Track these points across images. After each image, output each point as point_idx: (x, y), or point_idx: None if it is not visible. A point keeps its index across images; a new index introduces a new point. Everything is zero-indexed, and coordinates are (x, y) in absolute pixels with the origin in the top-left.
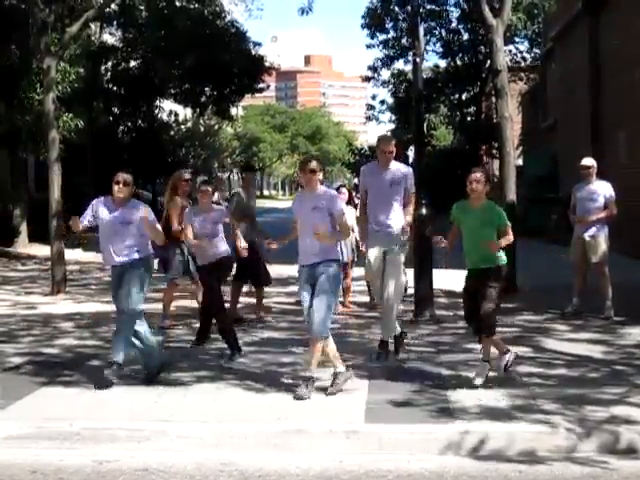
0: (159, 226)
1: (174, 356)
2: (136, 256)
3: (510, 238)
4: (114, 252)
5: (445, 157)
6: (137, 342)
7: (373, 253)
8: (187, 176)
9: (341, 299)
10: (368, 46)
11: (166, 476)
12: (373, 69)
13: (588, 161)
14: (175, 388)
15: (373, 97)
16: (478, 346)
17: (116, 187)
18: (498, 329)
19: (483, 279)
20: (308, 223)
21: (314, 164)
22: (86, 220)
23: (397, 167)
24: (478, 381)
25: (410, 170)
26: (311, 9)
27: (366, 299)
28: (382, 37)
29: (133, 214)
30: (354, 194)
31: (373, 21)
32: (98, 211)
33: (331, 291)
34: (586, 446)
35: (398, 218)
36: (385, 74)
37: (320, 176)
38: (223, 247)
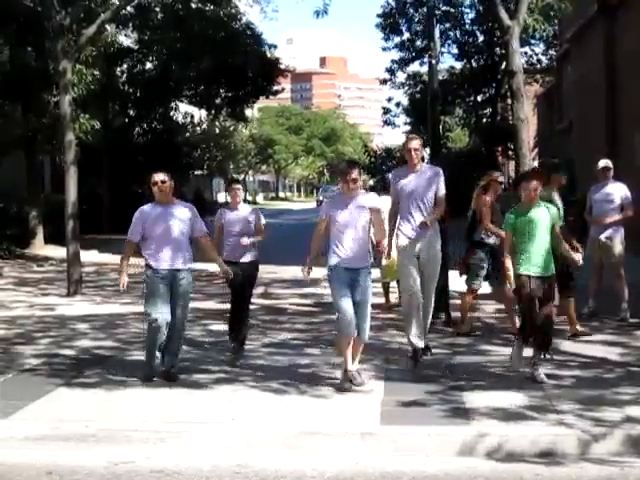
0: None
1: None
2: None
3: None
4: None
5: (461, 159)
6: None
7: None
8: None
9: None
10: (383, 49)
11: (182, 477)
12: (389, 71)
13: (604, 162)
14: (191, 389)
15: (389, 100)
16: (493, 348)
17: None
18: None
19: (546, 286)
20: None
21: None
22: None
23: (427, 167)
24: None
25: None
26: (326, 12)
27: (381, 300)
28: (397, 39)
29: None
30: None
31: (387, 24)
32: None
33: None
34: (602, 447)
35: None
36: (401, 76)
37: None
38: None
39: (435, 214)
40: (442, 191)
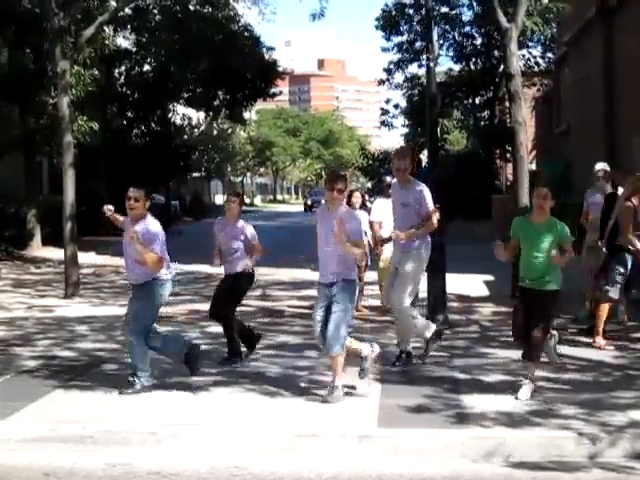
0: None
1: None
2: None
3: (571, 254)
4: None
5: (459, 162)
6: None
7: None
8: None
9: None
10: (383, 49)
11: (179, 479)
12: (387, 71)
13: (601, 166)
14: (189, 392)
15: (387, 101)
16: (491, 350)
17: None
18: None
19: (539, 302)
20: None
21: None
22: None
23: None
24: (522, 396)
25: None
26: (323, 14)
27: (377, 303)
28: (397, 40)
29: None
30: (367, 198)
31: (387, 24)
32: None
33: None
34: (603, 451)
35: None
36: (399, 77)
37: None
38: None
39: (420, 229)
40: (428, 207)
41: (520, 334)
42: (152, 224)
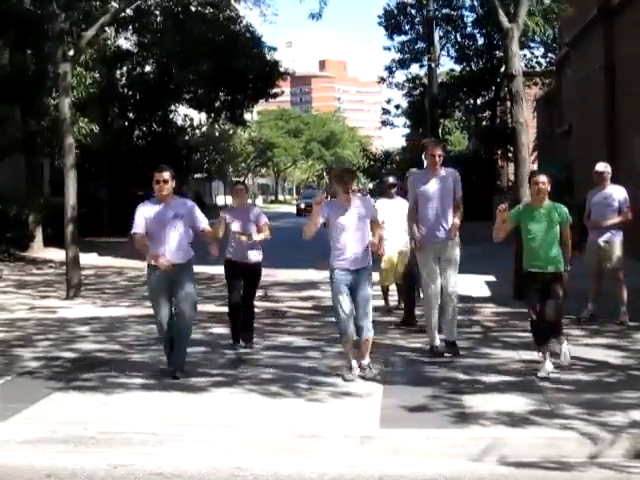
0: None
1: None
2: None
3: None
4: None
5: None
6: None
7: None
8: None
9: None
10: (385, 48)
11: None
12: (389, 70)
13: (602, 166)
14: (190, 393)
15: (388, 101)
16: (493, 351)
17: None
18: (514, 334)
19: (549, 284)
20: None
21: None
22: None
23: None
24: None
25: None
26: (321, 15)
27: (380, 303)
28: (399, 39)
29: None
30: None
31: (389, 23)
32: None
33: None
34: (603, 451)
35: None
36: (400, 77)
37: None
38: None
39: (456, 218)
40: (460, 193)
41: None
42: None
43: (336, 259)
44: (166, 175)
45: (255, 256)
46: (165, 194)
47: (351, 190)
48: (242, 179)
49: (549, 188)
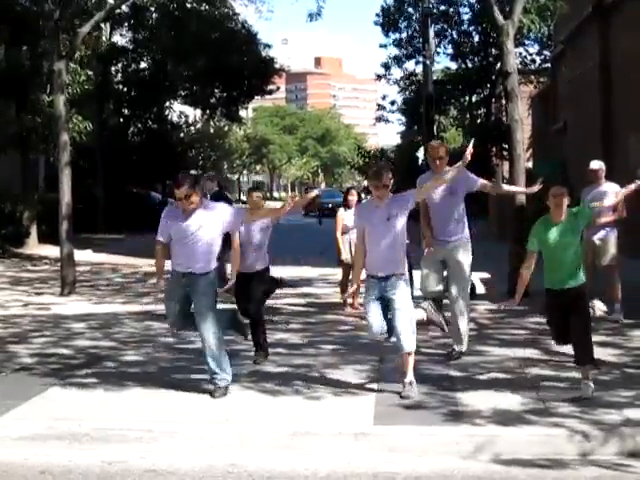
0: None
1: None
2: None
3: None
4: None
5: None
6: None
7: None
8: None
9: (350, 300)
10: (381, 45)
11: (175, 477)
12: (385, 67)
13: (596, 164)
14: (185, 389)
15: (383, 97)
16: (487, 348)
17: None
18: (509, 332)
19: (575, 299)
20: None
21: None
22: None
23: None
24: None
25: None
26: (320, 14)
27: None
28: (395, 36)
29: None
30: (363, 196)
31: (386, 20)
32: None
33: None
34: (600, 449)
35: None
36: (397, 73)
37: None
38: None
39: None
40: (478, 183)
41: (561, 335)
42: (214, 204)
43: (367, 265)
44: (185, 190)
45: (260, 265)
46: (192, 208)
47: (382, 186)
48: (236, 176)
49: (567, 202)
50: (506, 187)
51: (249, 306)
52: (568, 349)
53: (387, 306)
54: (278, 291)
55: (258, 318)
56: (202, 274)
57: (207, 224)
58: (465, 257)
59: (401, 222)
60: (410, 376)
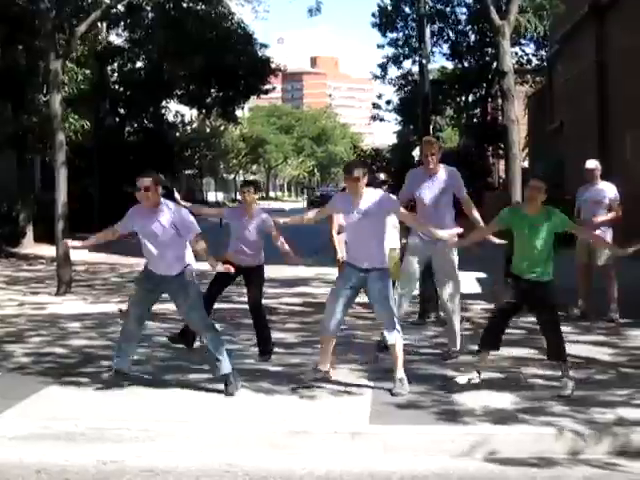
0: None
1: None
2: None
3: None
4: None
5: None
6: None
7: None
8: None
9: None
10: (379, 46)
11: (171, 477)
12: (382, 67)
13: (592, 163)
14: (181, 389)
15: (379, 96)
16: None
17: None
18: (505, 331)
19: (541, 294)
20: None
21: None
22: None
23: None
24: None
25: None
26: (319, 9)
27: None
28: (392, 36)
29: None
30: None
31: (383, 20)
32: None
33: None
34: (592, 448)
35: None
36: (393, 72)
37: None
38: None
39: (472, 215)
40: (463, 192)
41: (494, 335)
42: (178, 210)
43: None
44: (147, 182)
45: (254, 259)
46: (150, 206)
47: (352, 179)
48: (233, 176)
49: (544, 196)
50: (475, 215)
51: (248, 304)
52: (568, 349)
53: (353, 298)
54: (272, 290)
55: (261, 314)
56: (177, 275)
57: (169, 227)
58: (454, 257)
59: (379, 220)
60: (400, 373)
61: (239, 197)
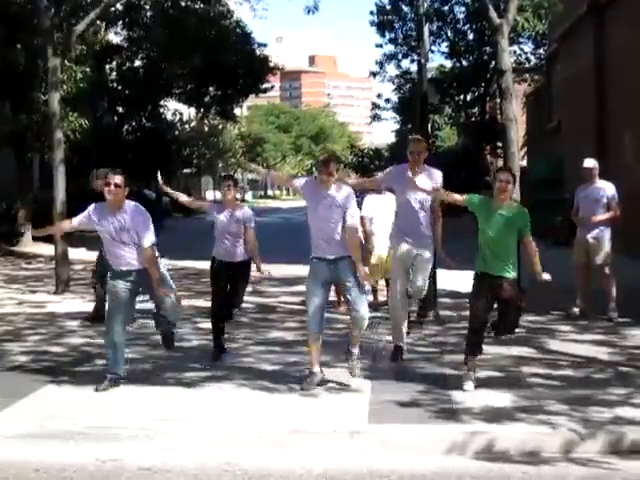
0: None
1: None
2: None
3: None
4: None
5: (450, 157)
6: None
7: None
8: None
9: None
10: (377, 45)
11: (169, 475)
12: (380, 64)
13: (590, 162)
14: (180, 388)
15: (378, 95)
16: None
17: None
18: None
19: (504, 289)
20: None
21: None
22: None
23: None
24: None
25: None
26: (317, 8)
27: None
28: (390, 35)
29: None
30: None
31: (381, 20)
32: None
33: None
34: (590, 447)
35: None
36: (392, 71)
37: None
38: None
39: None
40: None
41: (477, 342)
42: (139, 210)
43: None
44: (117, 179)
45: (242, 255)
46: (114, 202)
47: (326, 172)
48: (232, 173)
49: (511, 188)
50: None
51: (236, 299)
52: (560, 346)
53: (327, 290)
54: (271, 289)
55: (230, 313)
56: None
57: (128, 227)
58: (431, 257)
59: (338, 213)
60: (357, 350)
61: (238, 195)
